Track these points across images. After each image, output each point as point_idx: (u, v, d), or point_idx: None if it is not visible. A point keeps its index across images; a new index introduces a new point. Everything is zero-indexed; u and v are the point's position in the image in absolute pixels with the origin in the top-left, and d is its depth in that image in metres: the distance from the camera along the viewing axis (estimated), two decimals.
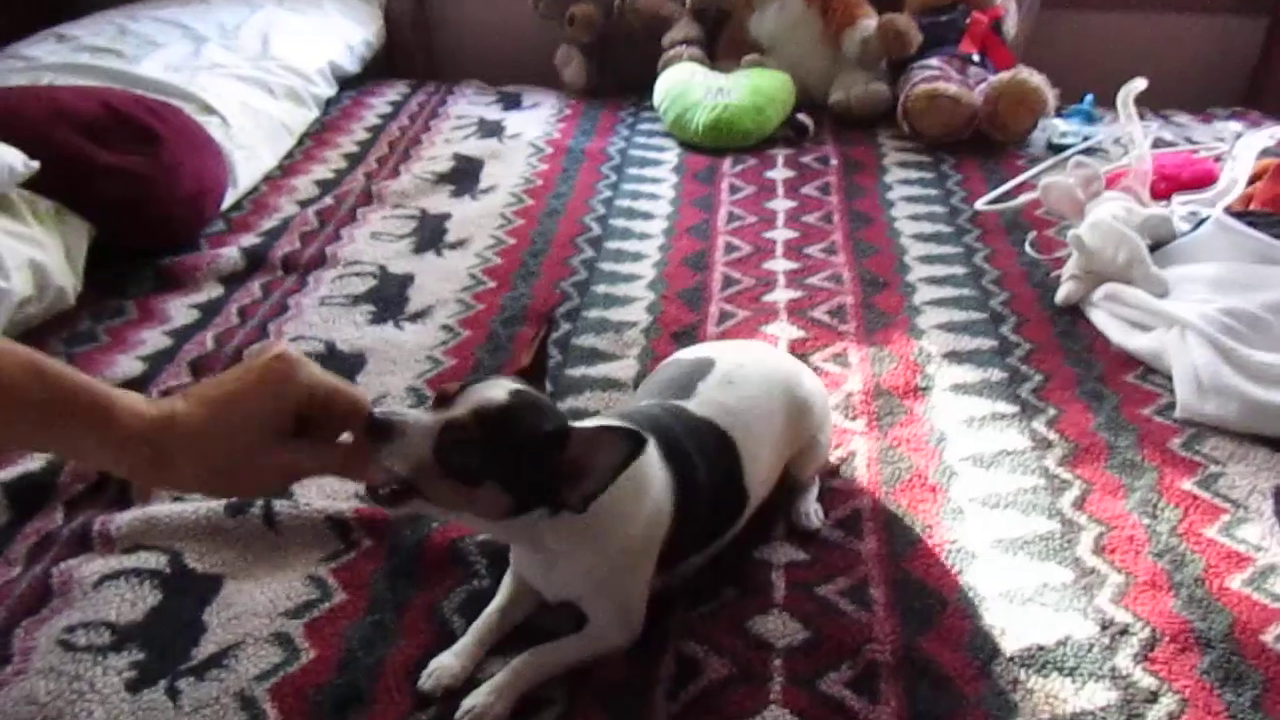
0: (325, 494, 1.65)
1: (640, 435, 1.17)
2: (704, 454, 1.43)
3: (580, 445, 1.18)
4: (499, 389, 1.19)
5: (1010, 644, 1.40)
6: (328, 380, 1.09)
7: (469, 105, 3.46)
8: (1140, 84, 2.66)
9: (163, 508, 1.58)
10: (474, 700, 1.26)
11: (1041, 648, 1.39)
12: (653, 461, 1.35)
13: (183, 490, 1.46)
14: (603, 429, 1.20)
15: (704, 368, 1.56)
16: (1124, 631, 1.42)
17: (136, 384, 1.92)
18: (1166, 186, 2.58)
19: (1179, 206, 2.48)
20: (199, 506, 1.57)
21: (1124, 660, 1.38)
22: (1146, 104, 2.86)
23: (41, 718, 1.26)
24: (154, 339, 2.08)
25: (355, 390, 1.12)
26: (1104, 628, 1.42)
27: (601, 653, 1.35)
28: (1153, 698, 1.32)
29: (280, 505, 1.58)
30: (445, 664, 1.33)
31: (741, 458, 1.48)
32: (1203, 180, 2.61)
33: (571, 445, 1.18)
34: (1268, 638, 1.41)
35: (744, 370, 1.57)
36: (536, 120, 3.31)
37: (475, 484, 1.17)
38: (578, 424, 1.23)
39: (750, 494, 1.51)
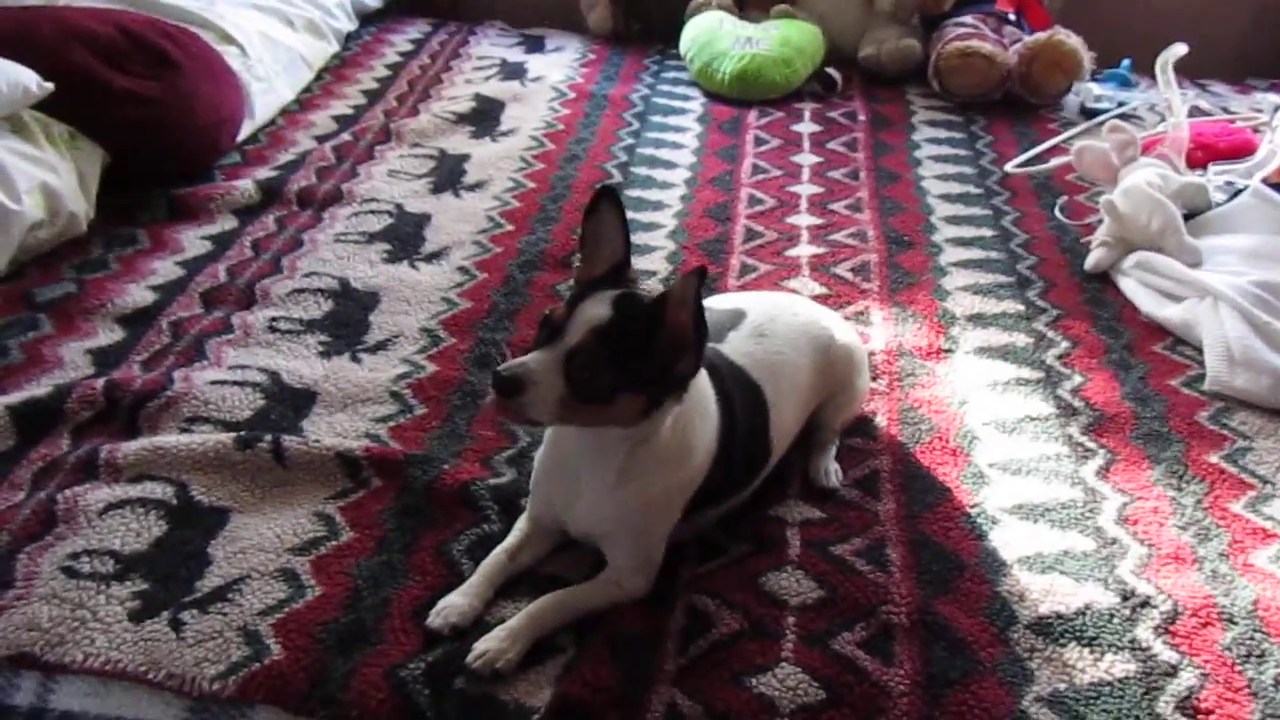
0: (336, 431, 1.63)
1: (700, 266, 1.21)
2: (741, 400, 1.43)
3: (672, 303, 1.20)
4: (603, 302, 1.22)
5: (1029, 611, 1.37)
6: None
7: (491, 46, 3.39)
8: (1180, 49, 2.59)
9: (170, 438, 1.56)
10: (487, 644, 1.24)
11: (1061, 616, 1.36)
12: (708, 394, 1.37)
13: None
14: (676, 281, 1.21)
15: (735, 318, 1.54)
16: (1145, 603, 1.39)
17: (148, 314, 1.90)
18: (1203, 155, 2.52)
19: (1215, 176, 2.42)
20: (207, 438, 1.55)
21: (1144, 632, 1.35)
22: (1184, 72, 2.79)
23: (43, 643, 1.24)
24: (166, 269, 2.05)
25: None
26: (1125, 599, 1.40)
27: (616, 600, 1.33)
28: (1172, 671, 1.30)
29: (290, 441, 1.55)
30: (454, 603, 1.31)
31: (769, 411, 1.47)
32: (1240, 150, 2.55)
33: (667, 310, 1.21)
34: None
35: (775, 324, 1.55)
36: (559, 64, 3.25)
37: (610, 399, 1.21)
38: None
39: (773, 449, 1.49)
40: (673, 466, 1.33)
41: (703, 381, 1.36)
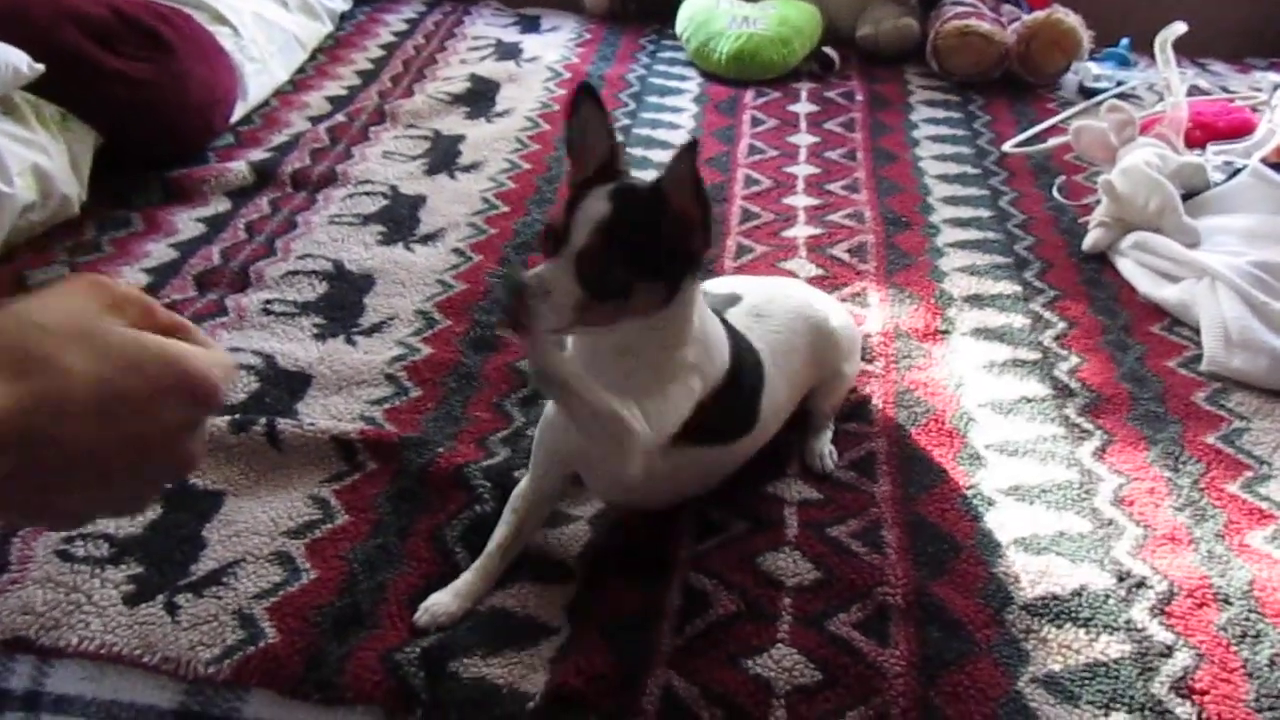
0: (330, 414, 1.62)
1: (691, 140, 1.18)
2: (745, 354, 1.43)
3: (671, 184, 1.18)
4: (600, 199, 1.20)
5: (1024, 592, 1.37)
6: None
7: (486, 26, 3.37)
8: (1180, 28, 2.57)
9: None
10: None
11: (1056, 597, 1.36)
12: (721, 333, 1.37)
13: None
14: (671, 160, 1.18)
15: (732, 300, 1.54)
16: (1141, 584, 1.39)
17: None
18: (1202, 135, 2.51)
19: (1214, 155, 2.41)
20: None
21: (1140, 613, 1.35)
22: (1183, 51, 2.78)
23: (38, 627, 1.24)
24: (159, 251, 2.04)
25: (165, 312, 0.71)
26: (1121, 579, 1.40)
27: (620, 434, 1.23)
28: (1168, 651, 1.30)
29: (284, 424, 1.55)
30: (441, 602, 1.30)
31: (764, 379, 1.46)
32: (1239, 130, 2.54)
33: (667, 192, 1.19)
34: None
35: (771, 305, 1.55)
36: (555, 44, 3.23)
37: (628, 293, 1.20)
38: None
39: (763, 421, 1.48)
40: (695, 362, 1.31)
41: (716, 321, 1.37)
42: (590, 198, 1.21)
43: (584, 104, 1.26)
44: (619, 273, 1.19)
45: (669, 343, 1.29)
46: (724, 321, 1.42)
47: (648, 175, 2.35)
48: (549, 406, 1.40)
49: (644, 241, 1.19)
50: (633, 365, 1.28)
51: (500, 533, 1.38)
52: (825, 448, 1.58)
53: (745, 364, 1.41)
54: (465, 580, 1.33)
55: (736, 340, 1.42)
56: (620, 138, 2.56)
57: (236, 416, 1.56)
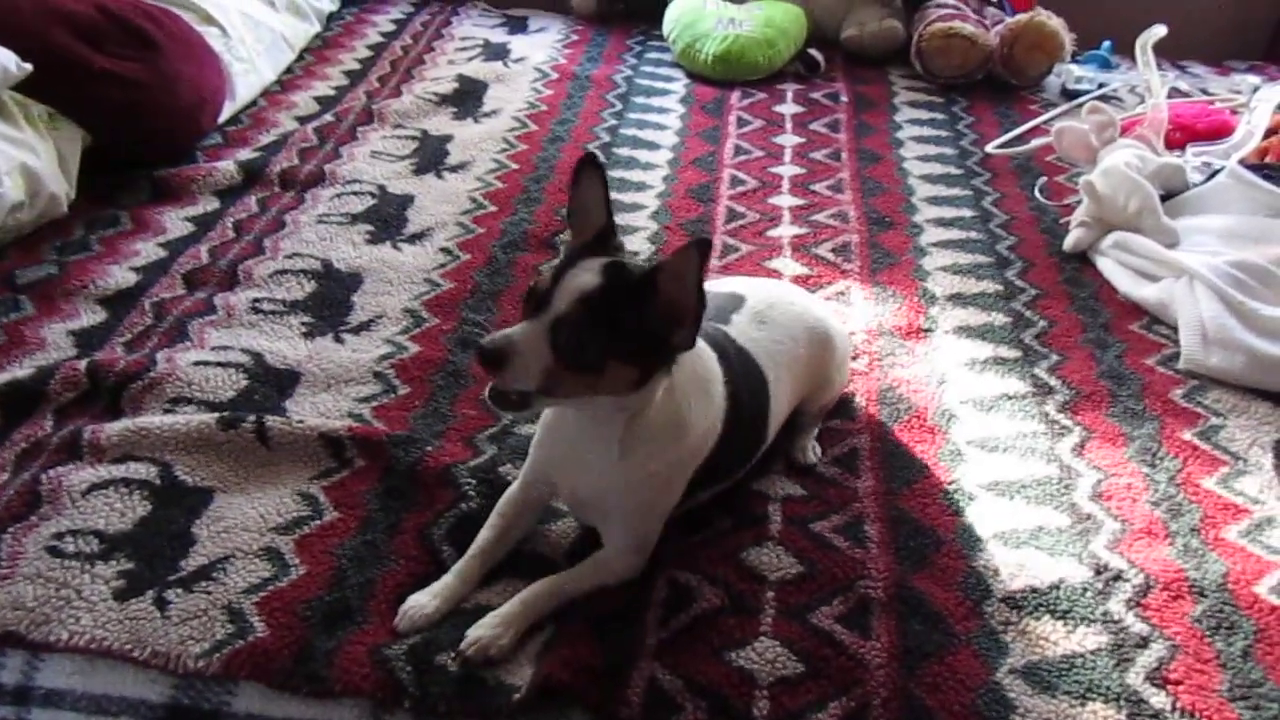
0: (319, 412, 1.64)
1: (702, 238, 1.17)
2: (746, 382, 1.43)
3: (667, 275, 1.18)
4: (589, 271, 1.20)
5: (1003, 585, 1.39)
6: None
7: (474, 26, 3.38)
8: (1160, 30, 2.61)
9: (154, 419, 1.56)
10: (480, 631, 1.25)
11: (1035, 590, 1.39)
12: (714, 374, 1.37)
13: None
14: (674, 252, 1.18)
15: (735, 301, 1.55)
16: (1118, 577, 1.41)
17: (130, 295, 1.90)
18: (1181, 136, 2.55)
19: (1193, 157, 2.45)
20: (190, 419, 1.55)
21: (1116, 605, 1.37)
22: (1164, 53, 2.80)
23: (29, 622, 1.25)
24: (148, 250, 2.04)
25: None
26: (1098, 573, 1.42)
27: (608, 582, 1.35)
28: (1143, 643, 1.32)
29: (273, 421, 1.56)
30: (420, 603, 1.31)
31: (770, 397, 1.48)
32: (1218, 131, 2.57)
33: (661, 281, 1.19)
34: (1261, 589, 1.41)
35: (774, 311, 1.56)
36: (542, 44, 3.25)
37: (600, 369, 1.20)
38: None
39: (769, 434, 1.52)
40: (669, 440, 1.33)
41: (708, 361, 1.37)
42: (580, 267, 1.21)
43: (586, 173, 1.28)
44: (594, 347, 1.19)
45: (639, 418, 1.29)
46: (724, 352, 1.41)
47: (640, 176, 2.40)
48: (546, 414, 1.42)
49: (626, 322, 1.19)
50: (611, 436, 1.30)
51: (483, 536, 1.39)
52: (810, 442, 1.61)
53: (744, 402, 1.41)
54: (444, 583, 1.34)
55: (734, 374, 1.41)
56: (607, 137, 2.61)
57: (225, 414, 1.57)
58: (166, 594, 1.30)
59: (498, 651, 1.24)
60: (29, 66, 2.04)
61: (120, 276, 1.94)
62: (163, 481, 1.47)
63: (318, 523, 1.44)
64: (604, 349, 1.19)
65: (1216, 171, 2.29)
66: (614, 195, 2.33)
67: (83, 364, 1.66)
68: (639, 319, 1.19)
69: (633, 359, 1.22)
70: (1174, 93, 2.92)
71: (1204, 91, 3.06)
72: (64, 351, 1.74)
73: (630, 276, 1.21)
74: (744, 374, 1.44)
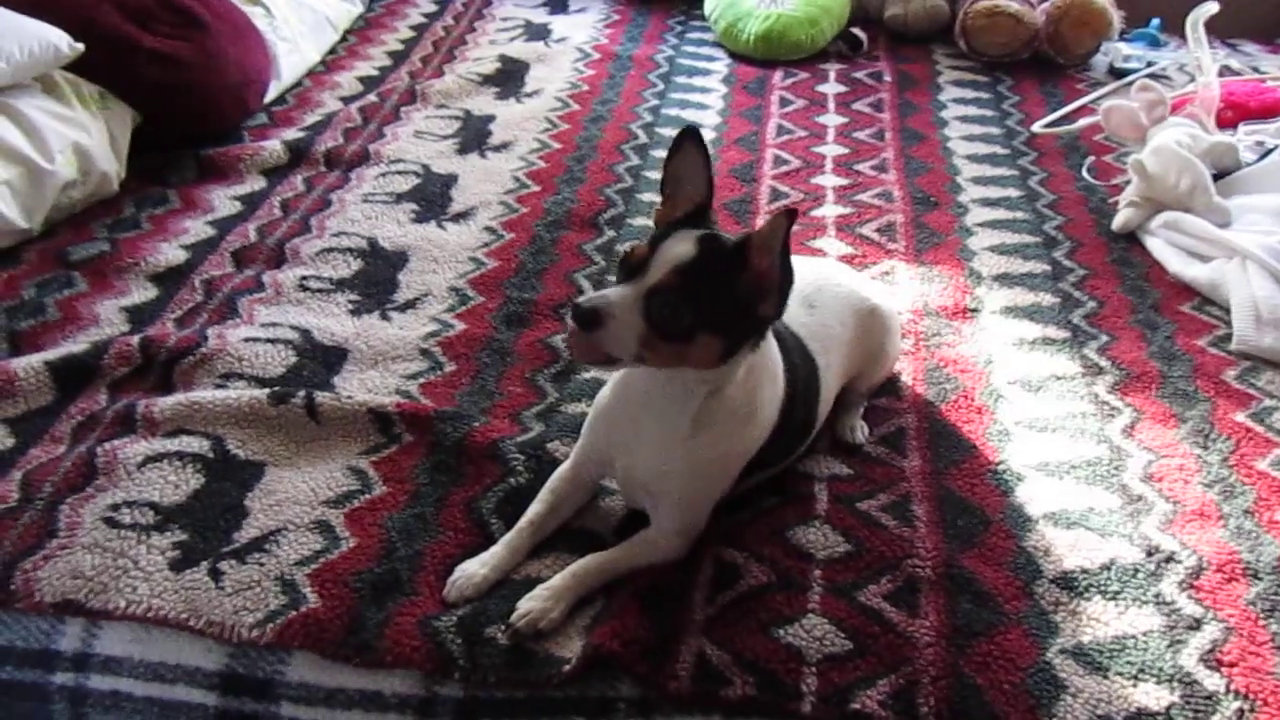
0: (366, 388, 1.65)
1: (790, 209, 1.18)
2: (801, 371, 1.43)
3: (757, 246, 1.19)
4: (686, 241, 1.21)
5: (1054, 565, 1.38)
6: None
7: (515, 7, 3.38)
8: (1211, 8, 2.56)
9: (206, 394, 1.58)
10: (530, 604, 1.26)
11: (1085, 571, 1.38)
12: (778, 360, 1.37)
13: None
14: (765, 223, 1.18)
15: None
16: (1170, 559, 1.40)
17: (180, 272, 1.92)
18: (1233, 115, 2.50)
19: (1245, 135, 2.40)
20: (241, 394, 1.57)
21: (1168, 587, 1.36)
22: (1214, 31, 2.75)
23: (87, 590, 1.27)
24: (197, 228, 2.07)
25: None
26: (1149, 554, 1.41)
27: (655, 561, 1.35)
28: (1196, 625, 1.31)
29: (322, 397, 1.58)
30: (470, 571, 1.32)
31: (820, 384, 1.48)
32: (1271, 110, 2.52)
33: (751, 252, 1.19)
34: None
35: (822, 295, 1.56)
36: (583, 24, 3.24)
37: (690, 339, 1.21)
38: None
39: (818, 421, 1.52)
40: (742, 421, 1.33)
41: (773, 346, 1.37)
42: (676, 238, 1.22)
43: (687, 145, 1.28)
44: (687, 316, 1.20)
45: (716, 395, 1.30)
46: (781, 338, 1.41)
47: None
48: (602, 392, 1.42)
49: (718, 293, 1.20)
50: (685, 411, 1.30)
51: (534, 509, 1.40)
52: (857, 421, 1.60)
53: (798, 391, 1.42)
54: (493, 553, 1.35)
55: (792, 361, 1.41)
56: (649, 117, 2.60)
57: (276, 389, 1.59)
58: (220, 565, 1.32)
59: (548, 624, 1.25)
60: (81, 46, 2.07)
61: (170, 254, 1.97)
62: (215, 455, 1.49)
63: (367, 496, 1.45)
64: (695, 320, 1.20)
65: (1270, 150, 2.25)
66: (655, 175, 2.34)
67: (135, 339, 1.69)
68: (729, 290, 1.20)
69: (721, 331, 1.23)
70: (1225, 71, 2.87)
71: (1255, 70, 3.00)
72: (117, 327, 1.77)
73: (724, 248, 1.21)
74: (799, 361, 1.44)
